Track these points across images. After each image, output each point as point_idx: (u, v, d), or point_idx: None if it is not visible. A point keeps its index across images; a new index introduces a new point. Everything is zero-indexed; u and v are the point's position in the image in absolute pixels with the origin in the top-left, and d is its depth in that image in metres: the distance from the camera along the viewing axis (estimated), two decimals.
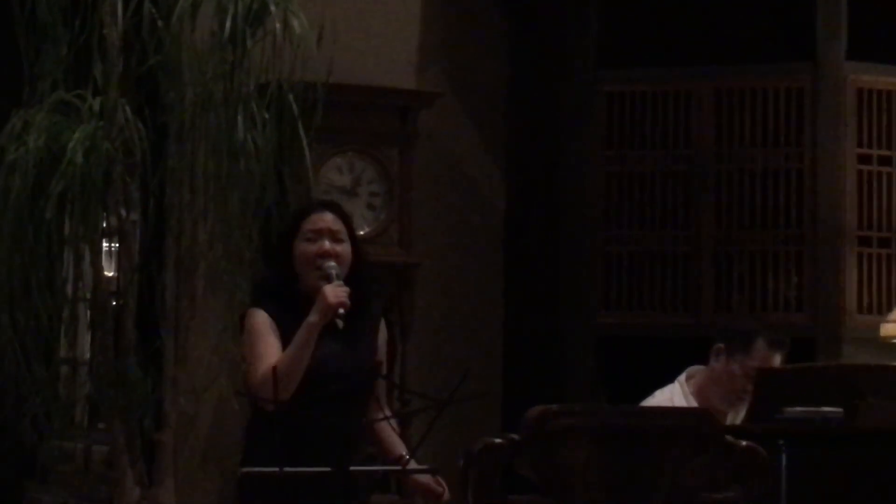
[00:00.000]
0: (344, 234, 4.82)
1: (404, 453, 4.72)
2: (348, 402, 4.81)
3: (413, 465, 4.71)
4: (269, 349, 4.72)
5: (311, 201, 5.40)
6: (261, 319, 4.77)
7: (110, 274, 5.73)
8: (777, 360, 5.46)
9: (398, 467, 4.82)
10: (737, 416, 5.45)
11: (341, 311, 4.70)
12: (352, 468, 4.55)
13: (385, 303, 5.56)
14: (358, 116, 6.45)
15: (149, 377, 5.38)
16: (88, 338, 5.72)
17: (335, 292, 4.70)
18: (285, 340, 4.74)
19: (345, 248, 4.81)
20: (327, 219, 4.80)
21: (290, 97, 5.27)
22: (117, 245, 5.58)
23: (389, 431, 4.81)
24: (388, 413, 4.83)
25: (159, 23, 5.32)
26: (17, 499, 8.13)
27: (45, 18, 5.30)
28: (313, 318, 4.69)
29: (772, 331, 5.59)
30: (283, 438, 4.68)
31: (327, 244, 4.75)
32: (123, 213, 5.43)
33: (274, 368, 4.59)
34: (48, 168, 5.22)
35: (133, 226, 5.47)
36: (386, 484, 5.70)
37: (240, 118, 5.28)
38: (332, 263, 4.75)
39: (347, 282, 4.79)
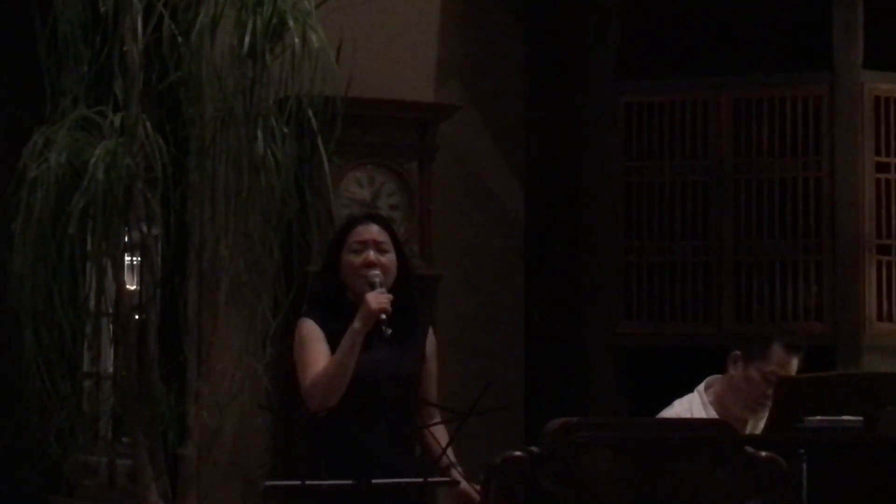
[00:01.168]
0: (389, 245, 4.94)
1: (452, 460, 4.74)
2: (397, 408, 4.86)
3: (458, 472, 4.74)
4: (318, 357, 4.82)
5: (357, 213, 5.44)
6: (309, 329, 4.88)
7: (133, 288, 5.74)
8: (794, 363, 5.44)
9: (419, 479, 4.82)
10: (757, 424, 5.44)
11: (384, 316, 4.78)
12: (374, 481, 4.56)
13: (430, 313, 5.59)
14: (377, 130, 6.46)
15: (172, 391, 5.37)
16: (111, 352, 5.73)
17: (377, 299, 4.80)
18: (335, 349, 4.81)
19: (389, 259, 4.93)
20: (372, 230, 4.94)
21: (310, 111, 5.26)
22: (139, 260, 5.59)
23: (439, 437, 4.84)
24: (438, 417, 4.86)
25: (179, 39, 5.31)
26: None
27: (67, 36, 5.31)
28: (357, 324, 4.79)
29: (787, 335, 5.58)
30: (333, 445, 4.72)
31: (372, 254, 4.89)
32: (145, 228, 5.43)
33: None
34: (70, 184, 5.22)
35: (155, 240, 5.48)
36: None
37: (259, 133, 5.28)
38: (377, 272, 4.87)
39: (393, 291, 4.86)
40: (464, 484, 4.82)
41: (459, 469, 4.84)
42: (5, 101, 5.80)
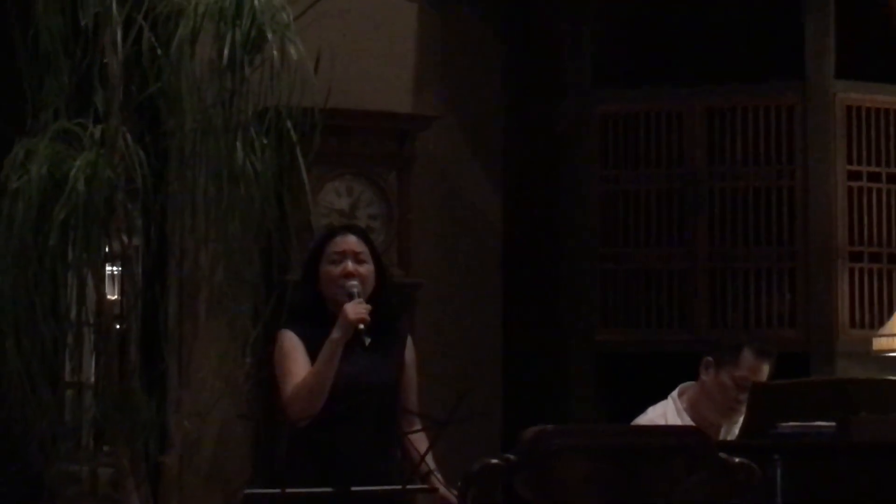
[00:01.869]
0: (367, 256, 4.97)
1: (431, 467, 4.76)
2: (377, 415, 4.88)
3: (438, 478, 4.76)
4: (298, 368, 4.85)
5: (336, 225, 5.45)
6: (289, 340, 4.91)
7: (114, 298, 5.73)
8: (765, 369, 5.47)
9: (398, 486, 4.83)
10: (731, 430, 5.45)
11: (362, 326, 4.80)
12: (353, 488, 4.57)
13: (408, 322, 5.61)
14: (355, 140, 6.47)
15: (153, 400, 5.37)
16: (93, 361, 5.72)
17: (355, 309, 4.83)
18: (315, 358, 4.83)
19: (368, 269, 4.96)
20: (350, 241, 4.97)
21: (289, 122, 5.26)
22: (120, 269, 5.58)
23: (418, 444, 4.85)
24: (418, 425, 4.88)
25: (159, 51, 5.32)
26: None
27: (47, 48, 5.30)
28: (336, 334, 4.82)
29: (758, 340, 5.60)
30: (314, 452, 4.74)
31: (350, 265, 4.92)
32: (126, 238, 5.43)
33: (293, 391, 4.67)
34: (51, 195, 5.22)
35: (135, 251, 5.48)
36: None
37: (239, 144, 5.28)
38: (355, 282, 4.90)
39: (371, 300, 4.89)
40: (443, 490, 4.84)
41: (439, 475, 4.87)
42: None
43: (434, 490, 4.90)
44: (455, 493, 4.57)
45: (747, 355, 5.45)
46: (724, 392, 5.44)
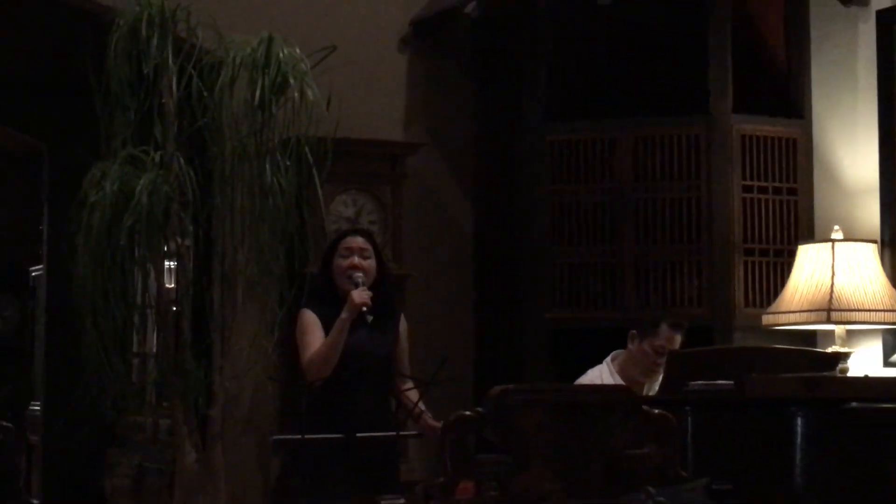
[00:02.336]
0: (370, 252, 5.00)
1: (421, 407, 4.78)
2: (377, 378, 4.91)
3: (427, 415, 4.77)
4: (315, 340, 4.88)
5: (347, 228, 5.46)
6: (308, 317, 4.95)
7: (170, 287, 5.73)
8: (678, 338, 5.49)
9: (394, 433, 4.85)
10: (652, 387, 5.48)
11: (364, 308, 4.83)
12: (358, 434, 4.58)
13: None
14: (359, 162, 6.48)
15: (201, 366, 5.37)
16: (154, 336, 5.72)
17: (360, 295, 4.86)
18: (328, 332, 4.86)
19: (370, 263, 4.99)
20: (357, 240, 5.01)
21: (307, 149, 5.27)
22: (175, 264, 5.58)
23: (412, 396, 4.87)
24: (410, 384, 4.91)
25: (205, 94, 5.32)
26: (101, 461, 8.12)
27: (117, 91, 5.30)
28: (344, 314, 4.85)
29: (672, 316, 5.63)
30: (327, 407, 4.75)
31: (357, 259, 4.95)
32: (179, 240, 5.43)
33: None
34: (121, 207, 5.22)
35: (187, 250, 5.47)
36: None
37: (268, 166, 5.29)
38: (360, 273, 4.93)
39: (373, 288, 4.91)
40: (431, 421, 4.85)
41: (429, 413, 4.88)
42: (70, 142, 5.78)
43: (419, 435, 4.91)
44: (441, 424, 4.60)
45: (664, 328, 5.49)
46: (646, 357, 5.47)
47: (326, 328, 4.94)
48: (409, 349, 5.17)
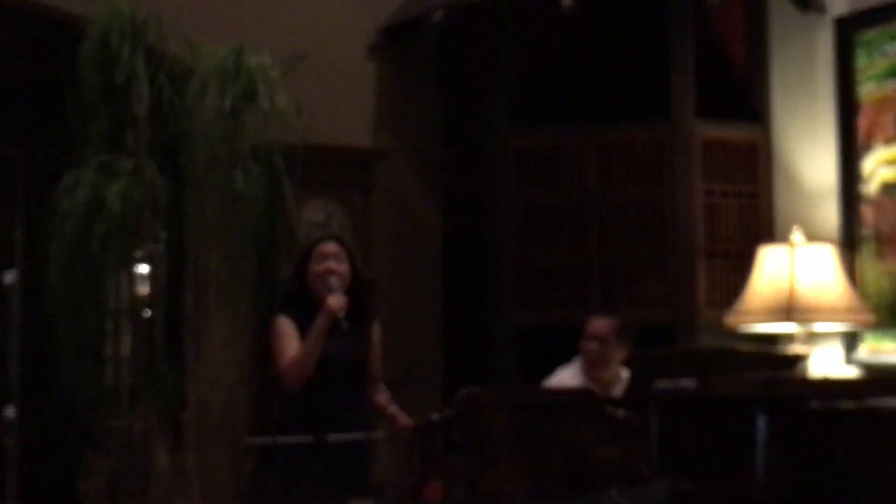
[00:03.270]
0: (344, 258, 5.01)
1: (393, 409, 4.79)
2: (351, 382, 4.91)
3: (399, 416, 4.79)
4: (290, 347, 4.88)
5: (320, 235, 5.46)
6: (283, 324, 4.95)
7: (143, 292, 5.71)
8: (601, 322, 5.60)
9: (366, 435, 4.86)
10: (616, 386, 5.48)
11: (340, 314, 4.82)
12: (329, 436, 4.59)
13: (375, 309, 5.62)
14: (329, 169, 6.46)
15: (175, 371, 5.36)
16: (128, 342, 5.70)
17: (335, 300, 4.86)
18: (303, 338, 4.85)
19: (344, 268, 5.00)
20: (331, 246, 5.02)
21: (277, 156, 5.27)
22: (148, 270, 5.57)
23: (383, 399, 4.89)
24: (382, 387, 4.92)
25: (176, 102, 5.31)
26: (76, 464, 8.08)
27: (89, 99, 5.29)
28: (320, 320, 4.85)
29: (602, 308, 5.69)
30: (302, 411, 4.76)
31: (332, 264, 4.92)
32: (152, 246, 5.41)
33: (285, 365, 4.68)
34: (94, 214, 5.20)
35: (160, 256, 5.46)
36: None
37: (239, 173, 5.28)
38: (334, 278, 4.92)
39: (347, 293, 4.91)
40: (403, 419, 4.86)
41: (401, 413, 4.89)
42: (43, 149, 5.77)
43: (391, 437, 4.92)
44: (411, 422, 4.61)
45: (591, 317, 5.53)
46: (584, 348, 5.51)
47: (301, 334, 4.94)
48: (380, 352, 5.18)
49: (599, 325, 5.49)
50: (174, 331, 5.39)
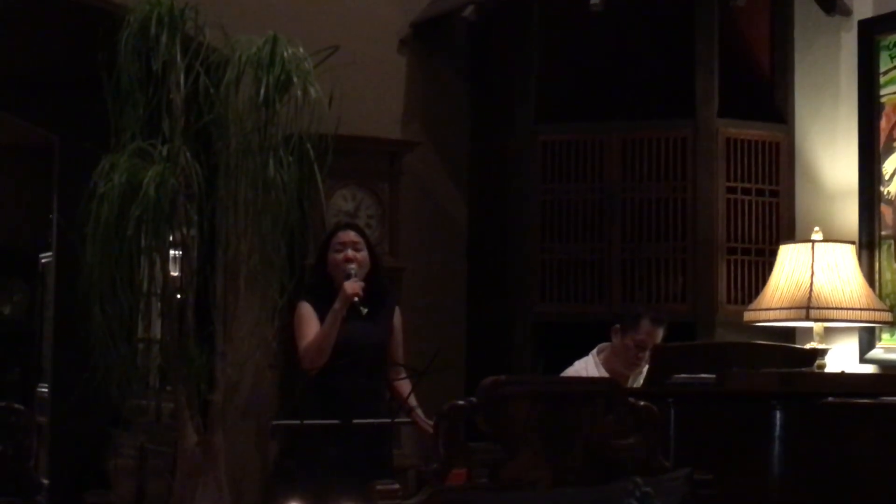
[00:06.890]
0: (363, 245, 5.01)
1: (413, 404, 4.79)
2: (371, 367, 4.91)
3: (419, 413, 4.79)
4: (310, 330, 4.89)
5: (339, 223, 5.46)
6: (305, 309, 4.97)
7: (175, 275, 5.72)
8: (660, 333, 5.48)
9: (388, 419, 4.85)
10: (637, 378, 5.48)
11: (356, 299, 4.83)
12: (354, 420, 4.57)
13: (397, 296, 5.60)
14: (358, 159, 6.47)
15: (204, 352, 5.36)
16: (159, 323, 5.71)
17: (352, 286, 4.87)
18: (323, 322, 4.86)
19: (363, 256, 4.99)
20: (350, 234, 5.02)
21: (308, 145, 5.26)
22: (181, 254, 5.57)
23: (403, 388, 4.87)
24: (403, 373, 4.92)
25: (211, 90, 5.30)
26: (106, 442, 8.12)
27: (127, 87, 5.27)
28: (336, 305, 4.86)
29: (653, 311, 5.62)
30: (323, 395, 4.77)
31: (350, 252, 4.94)
32: (185, 230, 5.41)
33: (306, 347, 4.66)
34: (129, 198, 5.19)
35: (192, 240, 5.46)
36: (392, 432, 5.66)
37: (271, 161, 5.27)
38: (353, 266, 4.94)
39: (367, 279, 4.92)
40: (422, 423, 4.85)
41: (419, 411, 4.88)
42: (81, 135, 5.77)
43: (414, 422, 4.91)
44: (431, 424, 4.59)
45: (645, 323, 5.48)
46: (628, 351, 5.47)
47: (322, 319, 4.94)
48: (403, 340, 5.17)
49: (657, 335, 5.45)
50: (204, 313, 5.38)
